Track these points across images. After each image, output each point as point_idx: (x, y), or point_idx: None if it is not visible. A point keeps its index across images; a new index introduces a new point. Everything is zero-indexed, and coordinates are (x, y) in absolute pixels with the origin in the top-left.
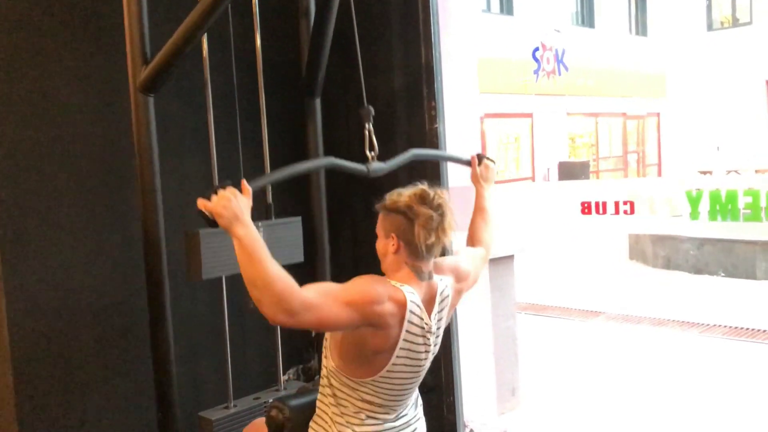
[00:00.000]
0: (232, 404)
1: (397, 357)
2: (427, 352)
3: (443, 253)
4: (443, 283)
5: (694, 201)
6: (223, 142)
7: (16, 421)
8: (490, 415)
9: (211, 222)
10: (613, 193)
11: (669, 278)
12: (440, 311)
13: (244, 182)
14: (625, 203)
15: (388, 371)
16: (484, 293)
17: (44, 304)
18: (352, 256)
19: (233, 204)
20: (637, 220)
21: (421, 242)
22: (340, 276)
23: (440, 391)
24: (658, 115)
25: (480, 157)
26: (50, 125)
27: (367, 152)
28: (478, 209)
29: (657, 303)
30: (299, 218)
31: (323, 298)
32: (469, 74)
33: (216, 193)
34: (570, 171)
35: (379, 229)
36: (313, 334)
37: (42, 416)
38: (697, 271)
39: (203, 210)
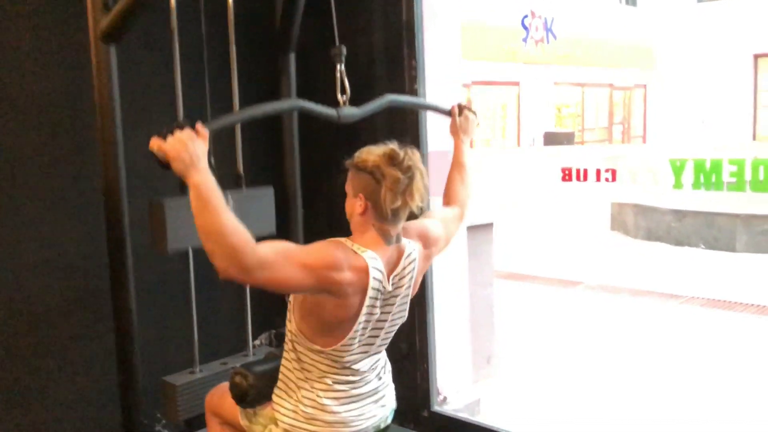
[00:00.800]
0: (198, 369)
1: (359, 325)
2: (392, 318)
3: (413, 217)
4: (410, 247)
5: (677, 170)
6: (191, 97)
7: None
8: (465, 384)
9: (164, 165)
10: (594, 160)
11: (650, 249)
12: (404, 277)
13: (200, 125)
14: (606, 170)
15: (350, 339)
16: (462, 260)
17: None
18: (328, 228)
19: (189, 148)
20: (618, 189)
21: (387, 205)
22: (315, 233)
23: (414, 359)
24: (645, 87)
25: (461, 108)
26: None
27: (339, 96)
28: (456, 164)
29: (637, 274)
30: (271, 188)
31: (279, 257)
32: (452, 37)
33: (172, 133)
34: (555, 141)
35: (348, 187)
36: (287, 298)
37: (2, 379)
38: (678, 242)
39: (156, 151)
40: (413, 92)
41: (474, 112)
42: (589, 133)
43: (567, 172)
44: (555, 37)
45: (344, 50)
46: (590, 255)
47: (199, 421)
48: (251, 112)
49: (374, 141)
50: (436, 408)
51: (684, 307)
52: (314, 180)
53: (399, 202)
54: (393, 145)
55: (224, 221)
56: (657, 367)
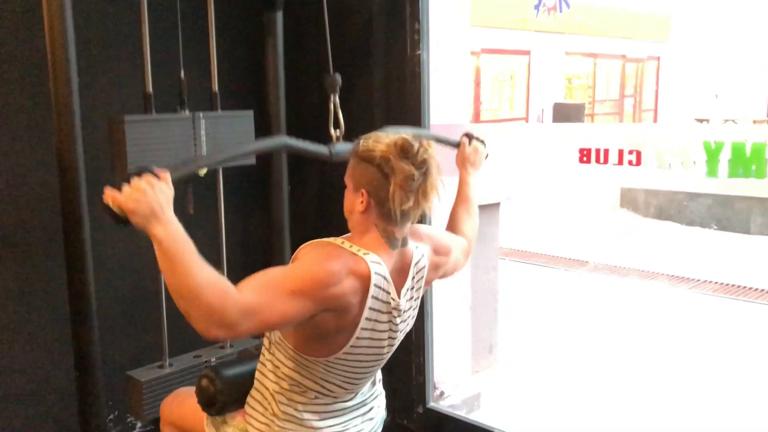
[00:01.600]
0: (167, 363)
1: (357, 338)
2: (393, 332)
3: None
4: (419, 252)
5: (713, 153)
6: (162, 61)
7: None
8: (464, 376)
9: (122, 220)
10: (616, 140)
11: (660, 229)
12: (413, 288)
13: (161, 171)
14: (630, 152)
15: (345, 353)
16: None
17: None
18: (318, 195)
19: (149, 197)
20: (644, 174)
21: (396, 205)
22: (302, 222)
23: (409, 351)
24: (658, 59)
25: (470, 138)
26: None
27: (332, 131)
28: (462, 199)
29: (646, 255)
30: (251, 112)
31: (264, 297)
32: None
33: (128, 182)
34: (565, 113)
35: (348, 179)
36: None
37: None
38: (690, 222)
39: (111, 205)
40: (415, 57)
41: (483, 142)
42: (600, 105)
43: (585, 153)
44: (568, 5)
45: (339, 79)
46: (597, 233)
47: None
48: (227, 154)
49: (371, 118)
50: (432, 404)
51: (694, 293)
52: (298, 107)
53: (410, 203)
54: (406, 134)
55: (197, 280)
56: (664, 359)
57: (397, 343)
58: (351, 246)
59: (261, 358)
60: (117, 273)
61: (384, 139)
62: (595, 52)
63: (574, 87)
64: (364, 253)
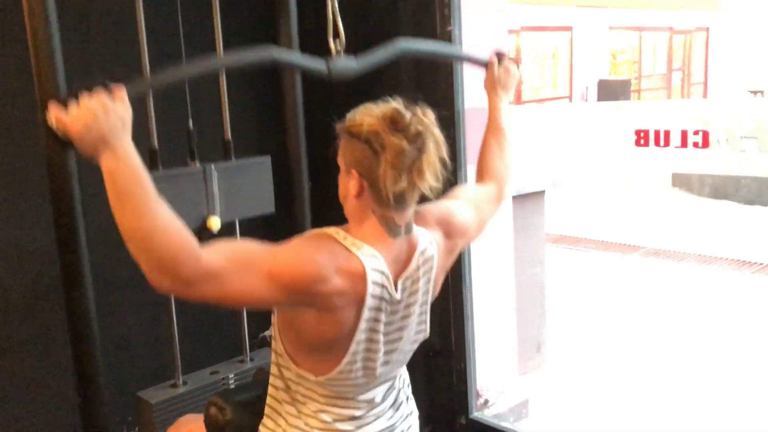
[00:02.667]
0: (180, 381)
1: (359, 346)
2: (408, 334)
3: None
4: (425, 239)
5: None
6: (159, 36)
7: None
8: (510, 382)
9: (65, 143)
10: (678, 119)
11: (717, 209)
12: (417, 280)
13: (117, 87)
14: (696, 133)
15: (347, 364)
16: (507, 236)
17: None
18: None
19: (101, 121)
20: (712, 157)
21: (388, 186)
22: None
23: (449, 357)
24: (707, 30)
25: (500, 57)
26: None
27: (330, 42)
28: (492, 128)
29: (703, 237)
30: (267, 157)
31: (233, 265)
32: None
33: (76, 98)
34: (610, 90)
35: (340, 160)
36: None
37: None
38: (749, 201)
39: (54, 126)
40: (446, 34)
41: (516, 62)
42: (646, 80)
43: (643, 135)
44: None
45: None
46: (650, 216)
47: None
48: (199, 67)
49: (397, 88)
50: (476, 414)
51: (759, 277)
52: (322, 147)
53: (404, 183)
54: (396, 103)
55: (153, 219)
56: (729, 355)
57: (414, 345)
58: (346, 238)
59: (271, 379)
60: (121, 286)
61: (374, 110)
62: (640, 25)
63: (619, 62)
64: (359, 248)
